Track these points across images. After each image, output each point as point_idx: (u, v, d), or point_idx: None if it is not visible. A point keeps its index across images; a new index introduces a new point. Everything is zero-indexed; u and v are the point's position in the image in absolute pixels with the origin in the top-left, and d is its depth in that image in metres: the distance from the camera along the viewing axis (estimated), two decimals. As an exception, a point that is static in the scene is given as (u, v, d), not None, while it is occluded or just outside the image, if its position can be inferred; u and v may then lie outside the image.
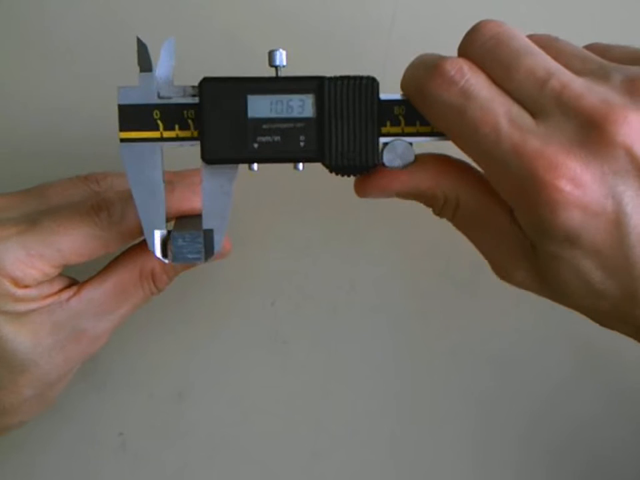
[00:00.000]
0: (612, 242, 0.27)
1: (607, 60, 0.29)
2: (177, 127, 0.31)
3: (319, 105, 0.30)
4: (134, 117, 0.30)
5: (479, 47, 0.29)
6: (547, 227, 0.27)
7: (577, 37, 0.32)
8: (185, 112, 0.31)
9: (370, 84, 0.30)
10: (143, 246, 0.35)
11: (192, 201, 0.34)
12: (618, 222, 0.27)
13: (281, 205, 0.43)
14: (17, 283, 0.32)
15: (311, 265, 0.43)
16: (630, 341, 0.31)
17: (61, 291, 0.34)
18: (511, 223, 0.30)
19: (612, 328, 0.31)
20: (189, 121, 0.31)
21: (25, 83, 0.43)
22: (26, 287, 0.33)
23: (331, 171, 0.31)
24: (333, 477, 0.43)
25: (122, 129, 0.31)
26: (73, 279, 0.35)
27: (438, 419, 0.43)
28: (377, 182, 0.32)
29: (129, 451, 0.43)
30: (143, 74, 0.31)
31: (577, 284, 0.28)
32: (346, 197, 0.43)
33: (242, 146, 0.30)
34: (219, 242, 0.32)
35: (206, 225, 0.32)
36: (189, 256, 0.32)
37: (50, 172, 0.38)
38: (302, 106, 0.30)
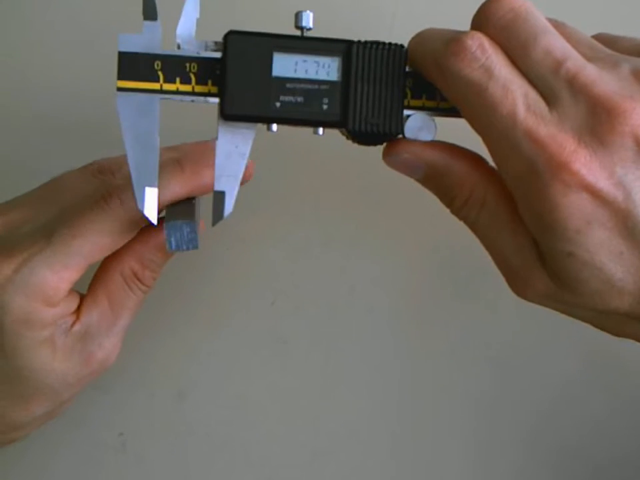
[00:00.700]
0: (623, 233, 0.27)
1: (614, 51, 0.29)
2: (178, 80, 0.30)
3: (345, 68, 0.30)
4: (134, 66, 0.29)
5: (497, 20, 0.29)
6: (555, 216, 0.27)
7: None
8: (188, 65, 0.30)
9: (398, 51, 0.30)
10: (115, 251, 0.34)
11: (204, 178, 0.33)
12: (628, 212, 0.27)
13: (281, 204, 0.43)
14: (49, 302, 0.32)
15: (310, 265, 0.43)
16: (637, 344, 0.31)
17: (65, 316, 0.33)
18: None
19: (629, 335, 0.30)
20: (191, 75, 0.30)
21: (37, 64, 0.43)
22: (58, 302, 0.32)
23: (351, 139, 0.31)
24: (332, 477, 0.43)
25: (120, 78, 0.29)
26: (80, 293, 0.35)
27: (438, 420, 0.43)
28: (410, 145, 0.31)
29: (129, 451, 0.43)
30: (147, 22, 0.30)
31: (594, 283, 0.28)
32: (346, 197, 0.43)
33: (264, 104, 0.30)
34: (230, 205, 0.30)
35: (217, 186, 0.30)
36: (184, 246, 0.31)
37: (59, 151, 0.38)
38: (328, 68, 0.30)
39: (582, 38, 0.30)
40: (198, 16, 0.31)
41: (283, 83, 0.30)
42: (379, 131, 0.30)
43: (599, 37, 0.31)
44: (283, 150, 0.41)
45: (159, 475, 0.43)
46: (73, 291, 0.33)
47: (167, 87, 0.30)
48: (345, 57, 0.30)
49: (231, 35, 0.30)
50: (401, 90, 0.30)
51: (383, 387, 0.43)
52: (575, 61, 0.28)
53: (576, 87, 0.27)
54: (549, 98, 0.28)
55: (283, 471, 0.43)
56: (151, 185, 0.30)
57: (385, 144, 0.31)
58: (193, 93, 0.30)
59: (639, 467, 0.43)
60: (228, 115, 0.30)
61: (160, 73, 0.30)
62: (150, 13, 0.30)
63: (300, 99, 0.30)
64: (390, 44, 0.30)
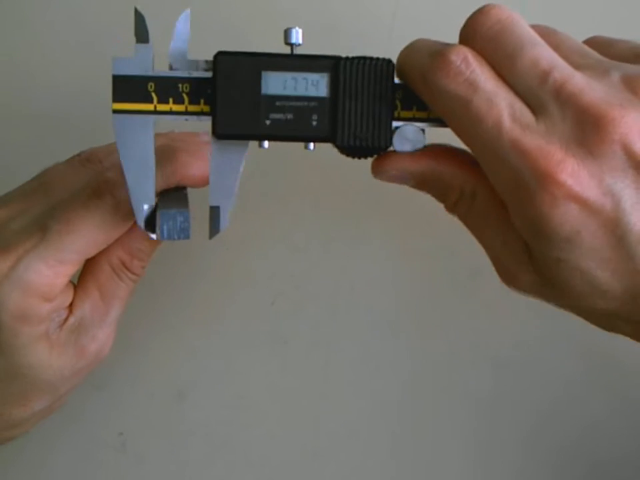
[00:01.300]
0: (612, 240, 0.27)
1: (609, 55, 0.29)
2: (171, 100, 0.30)
3: (334, 84, 0.30)
4: (128, 88, 0.30)
5: (483, 33, 0.29)
6: (544, 225, 0.27)
7: (577, 33, 0.31)
8: (181, 85, 0.30)
9: (386, 65, 0.30)
10: None
11: (196, 169, 0.33)
12: (617, 220, 0.27)
13: (281, 204, 0.43)
14: (45, 297, 0.32)
15: (311, 264, 0.43)
16: (631, 343, 0.31)
17: (60, 310, 0.34)
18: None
19: (617, 331, 0.31)
20: (184, 95, 0.30)
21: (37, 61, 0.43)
22: (55, 297, 0.32)
23: (341, 152, 0.31)
24: (332, 477, 0.43)
25: (115, 100, 0.30)
26: (74, 284, 0.35)
27: (438, 420, 0.43)
28: (397, 159, 0.31)
29: (129, 451, 0.43)
30: (139, 45, 0.30)
31: (582, 286, 0.28)
32: (346, 197, 0.43)
33: (254, 122, 0.30)
34: (225, 220, 0.31)
35: (212, 201, 0.31)
36: (175, 235, 0.31)
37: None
38: (316, 85, 0.30)
39: (573, 45, 0.30)
40: (189, 35, 0.31)
41: (272, 100, 0.30)
42: (368, 145, 0.31)
43: (594, 40, 0.31)
44: (283, 150, 0.41)
45: (159, 474, 0.43)
46: (68, 283, 0.33)
47: (160, 107, 0.30)
48: (333, 73, 0.30)
49: (220, 56, 0.30)
50: (389, 104, 0.30)
51: (383, 387, 0.43)
52: (563, 70, 0.27)
53: (563, 96, 0.27)
54: (536, 108, 0.28)
55: (283, 471, 0.43)
56: (149, 203, 0.31)
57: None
58: (186, 113, 0.30)
59: (638, 466, 0.43)
60: (220, 134, 0.30)
61: (153, 94, 0.30)
62: (142, 35, 0.30)
63: (290, 116, 0.30)
64: (377, 59, 0.30)
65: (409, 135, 0.31)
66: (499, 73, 0.28)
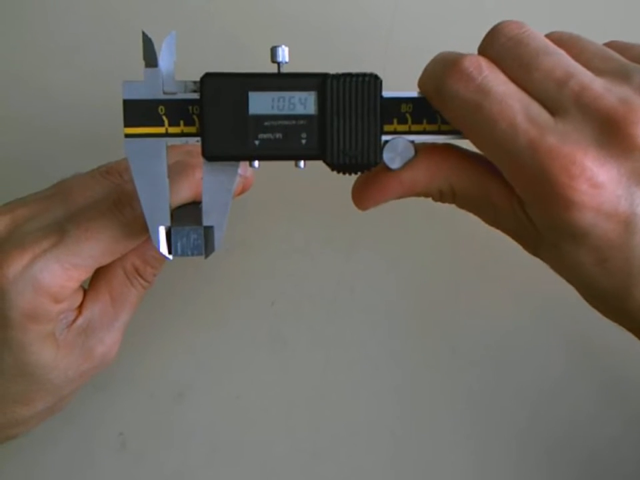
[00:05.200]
0: (617, 242, 0.27)
1: (626, 59, 0.29)
2: (182, 122, 0.31)
3: (321, 102, 0.30)
4: (139, 112, 0.30)
5: (499, 46, 0.29)
6: (557, 223, 0.27)
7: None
8: (190, 107, 0.30)
9: (373, 81, 0.30)
10: None
11: None
12: (627, 223, 0.27)
13: (281, 205, 0.43)
14: (56, 298, 0.32)
15: (310, 265, 0.43)
16: (623, 338, 0.31)
17: (68, 311, 0.34)
18: (512, 205, 0.30)
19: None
20: (194, 117, 0.30)
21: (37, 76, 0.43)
22: (64, 299, 0.33)
23: (332, 169, 0.31)
24: (332, 477, 0.43)
25: (127, 125, 0.30)
26: (84, 288, 0.35)
27: (438, 418, 0.43)
28: (372, 196, 0.32)
29: (129, 451, 0.43)
30: (149, 69, 0.30)
31: (572, 273, 0.29)
32: (346, 197, 0.43)
33: (243, 143, 0.30)
34: (219, 239, 0.31)
35: (206, 221, 0.31)
36: (189, 252, 0.32)
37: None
38: (304, 103, 0.30)
39: (595, 49, 0.30)
40: (175, 58, 0.31)
41: (260, 120, 0.30)
42: (357, 162, 0.30)
43: (610, 45, 0.31)
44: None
45: (159, 475, 0.43)
46: (78, 287, 0.34)
47: (172, 130, 0.31)
48: (320, 91, 0.30)
49: (206, 78, 0.30)
50: (378, 119, 0.30)
51: (382, 387, 0.43)
52: (580, 78, 0.27)
53: (582, 101, 0.27)
54: (555, 110, 0.28)
55: (282, 471, 0.43)
56: (164, 224, 0.31)
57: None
58: (197, 134, 0.31)
59: (631, 458, 0.43)
60: (209, 156, 0.30)
61: (164, 117, 0.30)
62: (150, 59, 0.30)
63: (278, 136, 0.30)
64: (365, 74, 0.30)
65: (399, 148, 0.31)
66: (517, 83, 0.28)
